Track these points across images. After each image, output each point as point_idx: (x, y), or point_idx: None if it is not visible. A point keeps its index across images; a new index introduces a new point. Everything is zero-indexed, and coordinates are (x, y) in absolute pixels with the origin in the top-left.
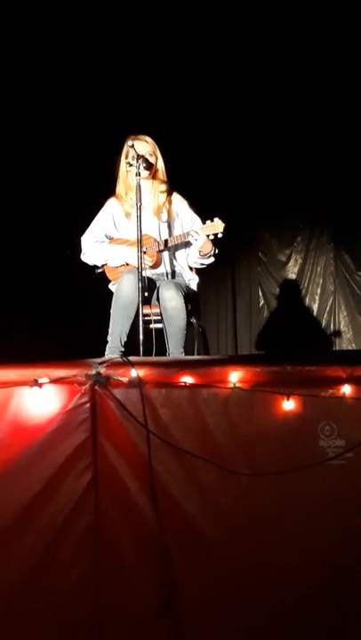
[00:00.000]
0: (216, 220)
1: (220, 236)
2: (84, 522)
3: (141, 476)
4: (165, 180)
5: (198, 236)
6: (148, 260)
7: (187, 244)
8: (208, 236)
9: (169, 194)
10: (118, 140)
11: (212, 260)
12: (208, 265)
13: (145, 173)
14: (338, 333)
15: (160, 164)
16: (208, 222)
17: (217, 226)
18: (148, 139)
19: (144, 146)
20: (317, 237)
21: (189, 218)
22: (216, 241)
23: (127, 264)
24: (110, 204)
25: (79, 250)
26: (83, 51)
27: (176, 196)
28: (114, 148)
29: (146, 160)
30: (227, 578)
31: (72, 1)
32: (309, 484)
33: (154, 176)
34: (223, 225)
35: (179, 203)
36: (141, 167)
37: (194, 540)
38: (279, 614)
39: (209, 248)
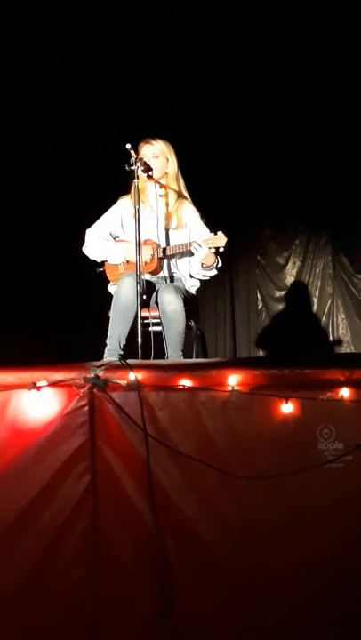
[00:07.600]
0: (219, 233)
1: (221, 249)
2: (83, 525)
3: (140, 479)
4: (178, 186)
5: (200, 247)
6: (147, 255)
7: (190, 254)
8: (210, 248)
9: (179, 201)
10: (120, 140)
11: (214, 272)
12: (211, 277)
13: (143, 176)
14: (336, 336)
15: (171, 168)
16: (211, 235)
17: (219, 239)
18: (157, 141)
19: (148, 148)
20: (316, 240)
21: (198, 230)
22: (219, 253)
23: (128, 261)
24: (122, 203)
25: (82, 241)
26: (90, 48)
27: (188, 207)
28: (117, 148)
29: (144, 163)
30: (226, 581)
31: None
32: (308, 487)
33: (165, 180)
34: (225, 239)
35: (190, 213)
36: (139, 170)
37: (192, 543)
38: (278, 617)
39: (211, 260)
